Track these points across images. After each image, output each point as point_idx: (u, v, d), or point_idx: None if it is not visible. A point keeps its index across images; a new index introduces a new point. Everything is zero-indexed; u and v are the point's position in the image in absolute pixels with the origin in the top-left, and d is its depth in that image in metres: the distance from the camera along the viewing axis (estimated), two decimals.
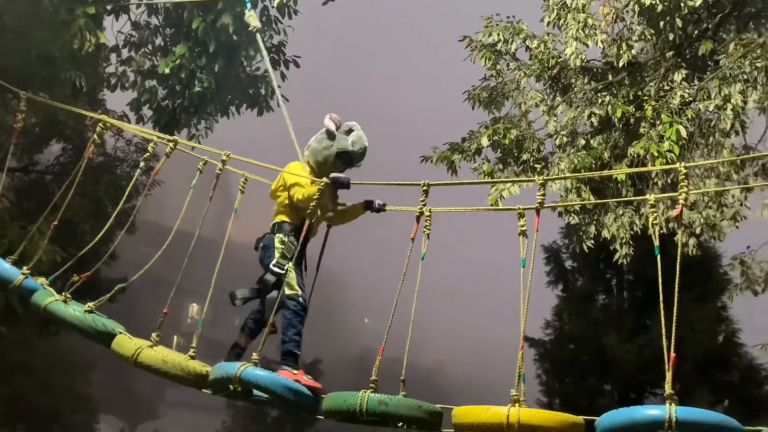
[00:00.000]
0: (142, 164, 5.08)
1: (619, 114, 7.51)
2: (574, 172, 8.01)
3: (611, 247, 8.42)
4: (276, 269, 4.33)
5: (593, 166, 7.91)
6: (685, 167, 3.64)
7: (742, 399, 14.19)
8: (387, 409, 3.61)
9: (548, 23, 8.13)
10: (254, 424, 28.95)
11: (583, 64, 7.90)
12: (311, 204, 4.28)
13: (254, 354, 4.06)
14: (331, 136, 4.54)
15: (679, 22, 7.71)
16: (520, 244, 3.99)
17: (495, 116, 8.97)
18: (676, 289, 3.48)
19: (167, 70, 6.63)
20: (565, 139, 8.33)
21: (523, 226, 4.02)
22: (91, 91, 9.30)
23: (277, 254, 4.39)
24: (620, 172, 7.48)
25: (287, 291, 4.29)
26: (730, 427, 3.17)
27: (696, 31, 8.10)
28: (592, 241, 8.59)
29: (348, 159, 4.56)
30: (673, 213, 3.82)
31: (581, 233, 8.65)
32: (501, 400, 3.57)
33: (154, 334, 4.24)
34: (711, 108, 7.42)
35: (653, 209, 3.81)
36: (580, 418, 3.56)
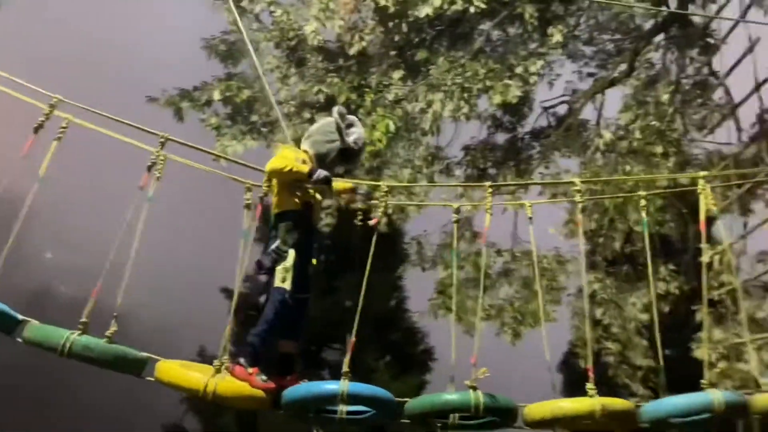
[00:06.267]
0: None
1: (343, 99, 8.27)
2: (295, 141, 8.61)
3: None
4: (274, 254, 4.09)
5: None
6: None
7: (402, 355, 16.86)
8: (92, 355, 3.73)
9: None
10: None
11: (320, 44, 8.47)
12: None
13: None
14: (339, 130, 4.42)
15: (405, 27, 8.76)
16: (244, 216, 4.38)
17: (230, 71, 9.09)
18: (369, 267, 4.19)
19: None
20: (293, 109, 8.85)
21: (248, 199, 4.45)
22: None
23: (279, 241, 4.12)
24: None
25: (277, 281, 4.05)
26: (386, 398, 3.92)
27: (417, 39, 9.26)
28: None
29: (347, 156, 4.50)
30: (371, 222, 4.57)
31: None
32: (189, 350, 3.88)
33: None
34: (417, 109, 8.62)
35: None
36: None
